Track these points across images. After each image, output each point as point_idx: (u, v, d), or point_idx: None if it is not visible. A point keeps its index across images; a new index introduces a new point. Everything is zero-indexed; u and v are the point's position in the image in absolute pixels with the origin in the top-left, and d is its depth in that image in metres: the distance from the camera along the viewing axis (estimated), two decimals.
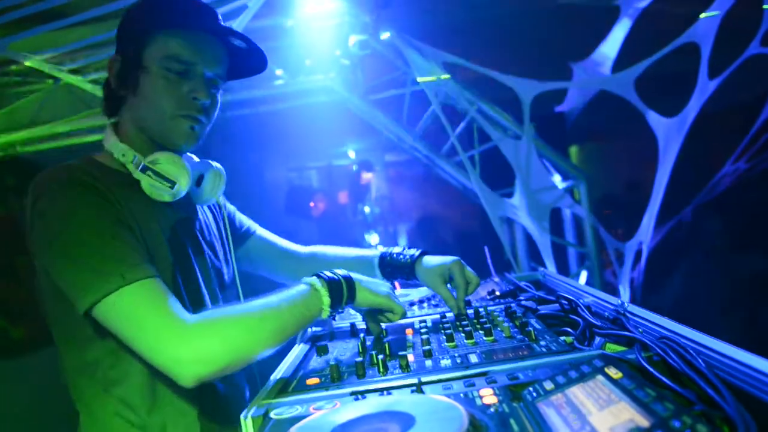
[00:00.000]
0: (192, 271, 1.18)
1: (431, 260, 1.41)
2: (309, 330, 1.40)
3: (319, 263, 1.49)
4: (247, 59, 1.23)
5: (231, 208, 1.47)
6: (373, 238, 6.11)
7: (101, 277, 0.94)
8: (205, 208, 1.36)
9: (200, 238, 1.26)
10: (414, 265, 1.40)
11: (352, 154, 6.05)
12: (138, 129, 1.16)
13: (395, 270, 1.43)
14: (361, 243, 6.05)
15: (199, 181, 1.26)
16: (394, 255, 1.44)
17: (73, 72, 3.26)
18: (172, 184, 1.13)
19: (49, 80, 3.72)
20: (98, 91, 3.35)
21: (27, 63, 3.14)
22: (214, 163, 1.29)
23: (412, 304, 1.58)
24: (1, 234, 3.74)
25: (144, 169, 1.12)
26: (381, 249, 1.47)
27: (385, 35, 3.60)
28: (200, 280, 1.20)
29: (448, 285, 1.39)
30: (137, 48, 1.12)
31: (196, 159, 1.29)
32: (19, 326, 3.82)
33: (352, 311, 1.58)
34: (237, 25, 2.71)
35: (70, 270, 0.96)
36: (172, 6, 1.14)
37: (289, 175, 5.98)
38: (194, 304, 1.15)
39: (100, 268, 0.94)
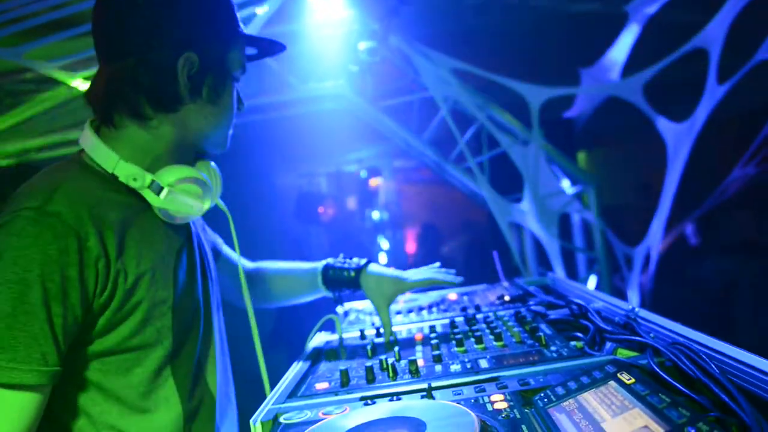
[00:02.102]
0: (197, 300, 1.09)
1: (375, 273, 1.29)
2: (318, 336, 1.40)
3: (264, 278, 1.42)
4: None
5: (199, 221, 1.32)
6: (382, 243, 6.12)
7: None
8: None
9: (203, 256, 1.16)
10: (358, 279, 1.30)
11: (363, 174, 6.10)
12: (181, 134, 1.03)
13: (340, 284, 1.33)
14: (370, 248, 6.06)
15: None
16: (337, 267, 1.32)
17: (87, 79, 3.30)
18: (196, 205, 1.02)
19: (63, 87, 3.77)
20: None
21: (41, 71, 3.18)
22: (209, 161, 1.14)
23: (420, 309, 1.58)
24: None
25: (163, 193, 0.98)
26: (327, 260, 1.36)
27: (393, 41, 3.61)
28: (201, 306, 1.10)
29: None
30: (223, 51, 1.03)
31: None
32: None
33: (361, 316, 1.58)
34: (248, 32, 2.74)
35: None
36: (235, 10, 1.07)
37: (299, 181, 6.01)
38: (195, 336, 1.08)
39: None
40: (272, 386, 1.05)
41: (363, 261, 1.33)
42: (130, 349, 0.96)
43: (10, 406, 0.82)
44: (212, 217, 1.33)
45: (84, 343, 0.93)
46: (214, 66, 1.01)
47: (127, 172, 0.97)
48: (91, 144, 0.99)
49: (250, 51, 1.16)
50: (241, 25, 1.08)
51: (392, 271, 1.31)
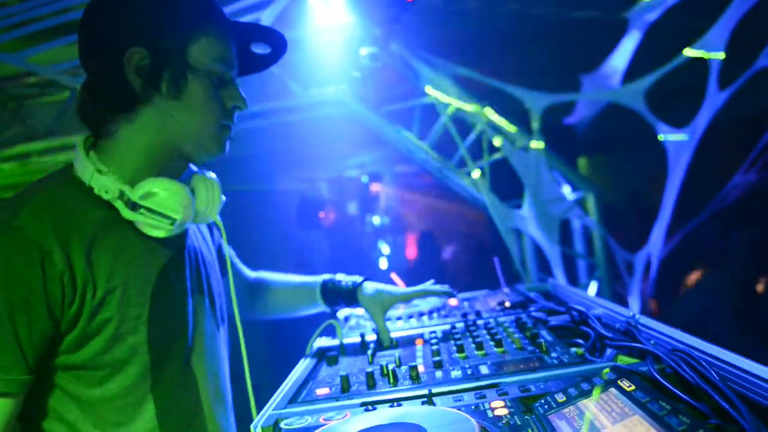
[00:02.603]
0: (183, 316, 1.06)
1: (371, 287, 1.35)
2: (318, 341, 1.40)
3: (266, 291, 1.44)
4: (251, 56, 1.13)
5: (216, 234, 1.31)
6: (383, 248, 6.12)
7: None
8: (194, 230, 1.17)
9: (200, 270, 1.13)
10: (355, 292, 1.35)
11: (365, 179, 6.12)
12: (154, 139, 0.99)
13: (337, 296, 1.37)
14: (370, 253, 6.06)
15: None
16: (336, 281, 1.38)
17: None
18: (171, 220, 0.97)
19: (66, 92, 3.79)
20: None
21: (45, 75, 3.20)
22: (208, 173, 1.09)
23: (421, 314, 1.58)
24: None
25: (135, 207, 0.95)
26: (325, 276, 1.42)
27: (394, 47, 3.63)
28: (189, 321, 1.07)
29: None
30: (180, 43, 0.96)
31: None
32: None
33: (362, 321, 1.58)
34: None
35: None
36: (203, 1, 1.01)
37: (300, 187, 6.02)
38: (179, 352, 1.05)
39: None
40: (269, 395, 1.03)
41: (360, 278, 1.38)
42: (103, 365, 0.95)
43: None
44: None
45: (56, 355, 0.93)
46: (170, 59, 0.96)
47: (100, 183, 0.95)
48: (76, 156, 0.99)
49: (264, 49, 1.12)
50: (217, 15, 1.02)
51: (388, 286, 1.36)
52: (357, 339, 1.35)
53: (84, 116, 1.01)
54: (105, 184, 0.95)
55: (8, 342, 0.85)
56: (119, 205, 0.96)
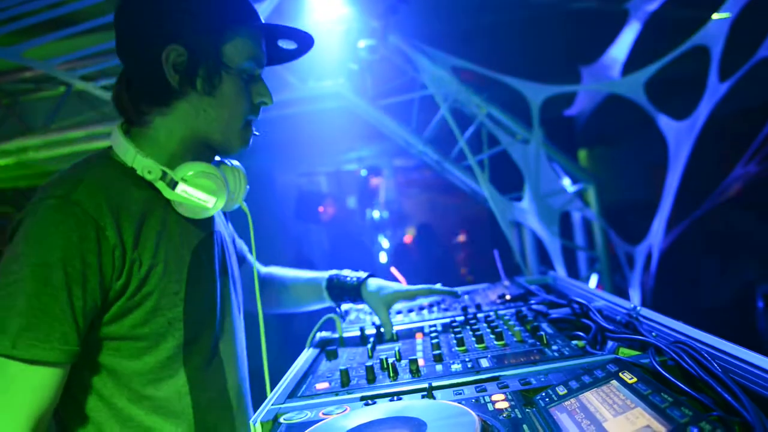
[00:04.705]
0: (213, 296, 1.11)
1: (376, 283, 1.38)
2: (318, 335, 1.40)
3: (274, 286, 1.48)
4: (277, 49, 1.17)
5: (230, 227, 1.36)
6: (382, 242, 6.11)
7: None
8: (219, 217, 1.23)
9: (225, 257, 1.18)
10: (360, 288, 1.38)
11: (363, 173, 6.10)
12: (186, 130, 1.04)
13: (342, 292, 1.40)
14: (369, 247, 6.05)
15: None
16: (341, 277, 1.41)
17: (85, 78, 3.30)
18: (210, 200, 1.03)
19: (62, 87, 3.77)
20: (109, 96, 3.39)
21: (41, 70, 3.18)
22: (233, 162, 1.17)
23: (421, 308, 1.58)
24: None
25: (176, 187, 1.01)
26: (331, 272, 1.45)
27: (393, 39, 3.61)
28: (218, 303, 1.12)
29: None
30: (216, 42, 1.01)
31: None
32: None
33: (362, 315, 1.58)
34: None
35: None
36: (239, 2, 1.05)
37: (299, 181, 6.01)
38: (210, 331, 1.09)
39: (6, 321, 0.85)
40: (267, 388, 1.05)
41: (365, 274, 1.40)
42: (141, 336, 0.99)
43: (31, 381, 0.87)
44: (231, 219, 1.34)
45: (98, 328, 0.97)
46: (206, 57, 1.01)
47: (143, 165, 1.01)
48: (115, 140, 1.05)
49: (290, 45, 1.16)
50: (251, 16, 1.06)
51: (392, 283, 1.38)
52: (356, 333, 1.35)
53: (119, 105, 1.06)
54: (148, 165, 1.01)
55: (65, 313, 0.89)
56: (161, 185, 1.01)
